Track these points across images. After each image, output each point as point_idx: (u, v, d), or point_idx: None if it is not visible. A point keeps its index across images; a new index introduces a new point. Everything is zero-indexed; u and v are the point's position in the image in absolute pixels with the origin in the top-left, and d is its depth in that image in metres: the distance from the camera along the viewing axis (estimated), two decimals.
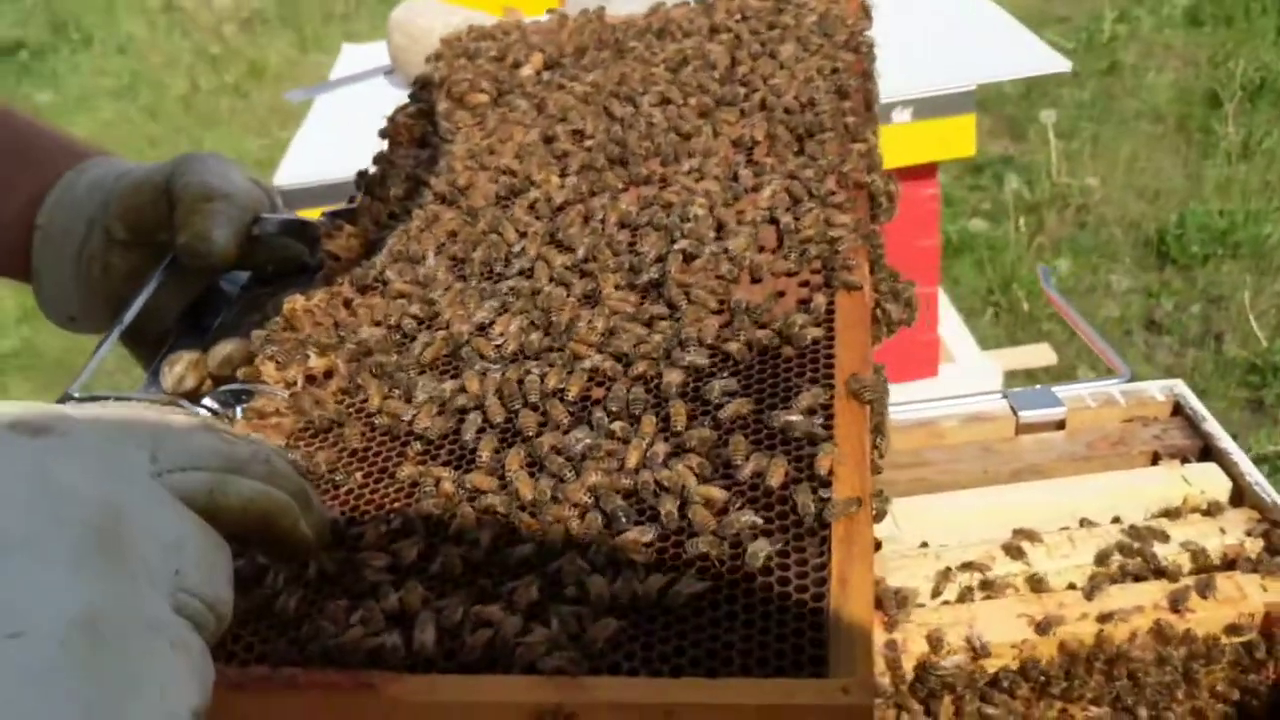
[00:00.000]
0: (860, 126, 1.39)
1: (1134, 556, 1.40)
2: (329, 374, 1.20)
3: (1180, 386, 1.67)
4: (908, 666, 1.32)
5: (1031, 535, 1.45)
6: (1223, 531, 1.43)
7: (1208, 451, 1.58)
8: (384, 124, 1.67)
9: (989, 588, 1.40)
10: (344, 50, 3.47)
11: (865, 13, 1.63)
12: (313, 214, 1.57)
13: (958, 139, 2.76)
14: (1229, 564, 1.41)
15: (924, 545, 1.49)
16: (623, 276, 1.22)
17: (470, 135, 1.53)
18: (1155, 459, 1.60)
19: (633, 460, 1.00)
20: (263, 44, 8.28)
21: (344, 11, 8.65)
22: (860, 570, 0.90)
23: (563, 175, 1.40)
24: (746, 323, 1.13)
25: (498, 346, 1.16)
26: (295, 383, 1.18)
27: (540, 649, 0.87)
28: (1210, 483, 1.51)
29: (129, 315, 1.40)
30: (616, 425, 1.05)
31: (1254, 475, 1.49)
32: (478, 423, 1.09)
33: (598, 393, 1.10)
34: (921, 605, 1.38)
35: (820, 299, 1.14)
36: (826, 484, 0.96)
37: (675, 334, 1.13)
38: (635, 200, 1.33)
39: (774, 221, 1.26)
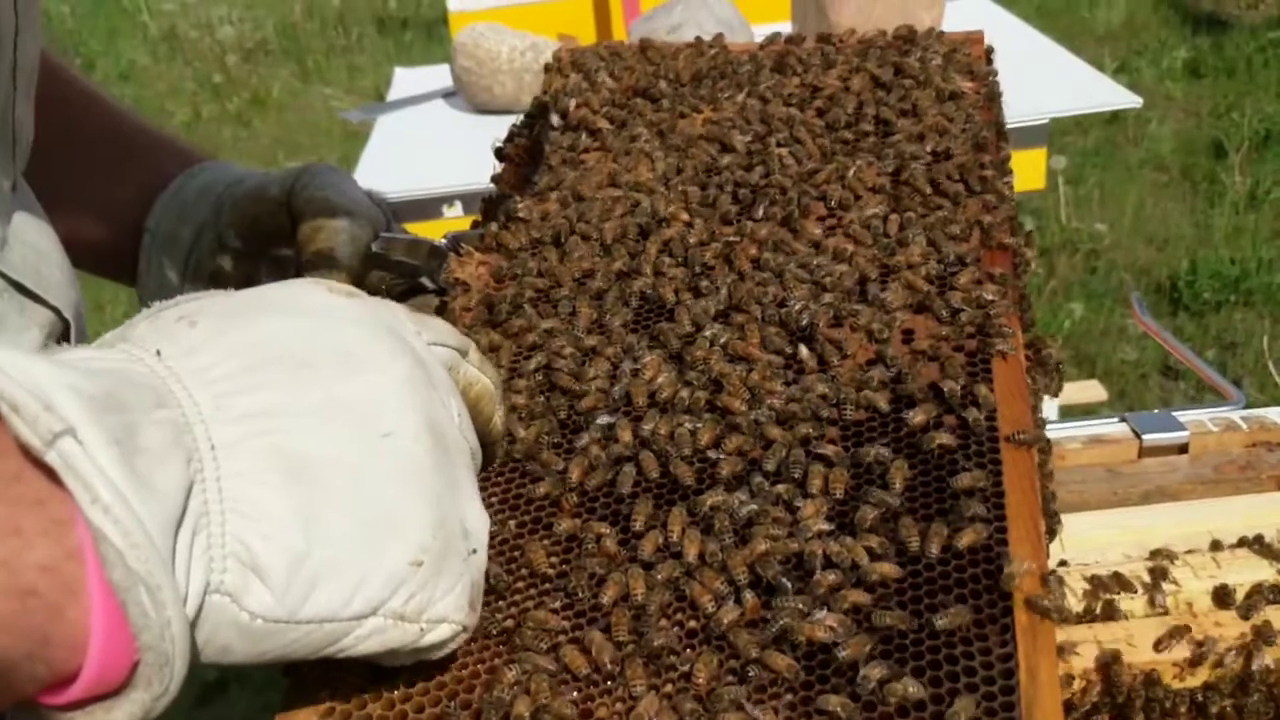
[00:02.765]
0: (998, 182, 1.35)
1: None
2: None
3: None
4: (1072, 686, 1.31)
5: (1174, 555, 1.45)
6: None
7: None
8: (497, 144, 1.64)
9: (1140, 606, 1.39)
10: (397, 74, 3.48)
11: (989, 59, 1.62)
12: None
13: (1029, 171, 2.79)
14: None
15: (1063, 564, 1.48)
16: (769, 329, 1.18)
17: (595, 164, 1.49)
18: None
19: (809, 527, 0.98)
20: (265, 74, 8.29)
21: (345, 45, 8.68)
22: (1047, 664, 0.87)
23: (692, 214, 1.36)
24: (907, 387, 1.10)
25: (650, 395, 1.12)
26: None
27: None
28: None
29: None
30: (781, 488, 1.01)
31: None
32: (633, 475, 1.05)
33: (753, 450, 1.06)
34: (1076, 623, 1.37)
35: (984, 389, 1.09)
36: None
37: (833, 394, 1.10)
38: (772, 246, 1.29)
39: (922, 279, 1.23)
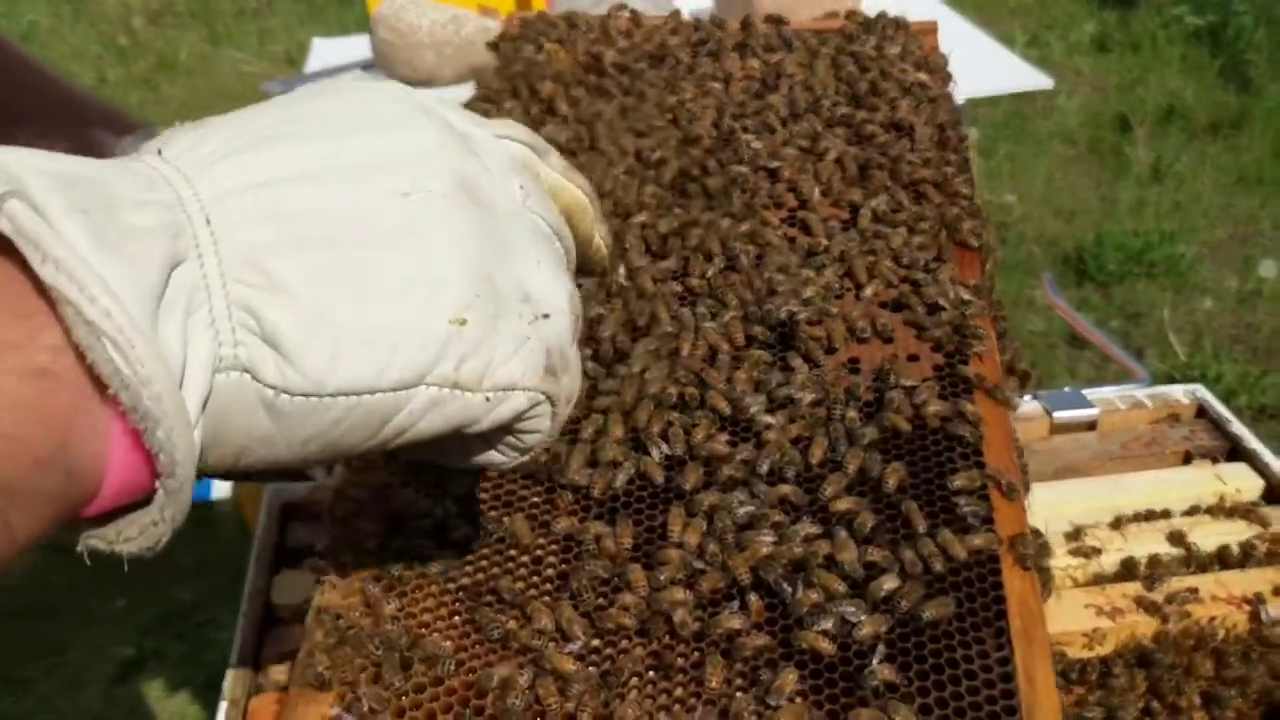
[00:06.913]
0: (959, 179, 1.37)
1: (1184, 549, 1.47)
2: None
3: (1202, 390, 1.74)
4: None
5: (1083, 530, 1.51)
6: (1264, 526, 1.50)
7: (1235, 452, 1.66)
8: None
9: (1051, 579, 1.45)
10: (315, 44, 3.43)
11: (944, 59, 1.63)
12: None
13: None
14: (1270, 558, 1.48)
15: None
16: (753, 326, 1.19)
17: (562, 145, 1.43)
18: (1187, 458, 1.67)
19: (801, 534, 1.00)
20: (173, 37, 8.07)
21: (256, 7, 8.49)
22: (1044, 668, 0.90)
23: (661, 201, 1.35)
24: (892, 392, 1.12)
25: (641, 390, 1.12)
26: None
27: None
28: (1243, 481, 1.58)
29: None
30: (788, 489, 1.03)
31: None
32: (630, 472, 1.06)
33: (742, 450, 1.08)
34: None
35: (971, 407, 1.11)
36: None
37: (822, 393, 1.11)
38: (744, 238, 1.29)
39: (897, 277, 1.25)
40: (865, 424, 1.09)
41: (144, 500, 0.64)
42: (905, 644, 0.92)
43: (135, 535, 0.64)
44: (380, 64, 2.96)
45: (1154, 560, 1.45)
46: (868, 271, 1.24)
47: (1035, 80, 2.88)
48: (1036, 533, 1.03)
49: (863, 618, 0.93)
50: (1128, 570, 1.46)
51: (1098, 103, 6.55)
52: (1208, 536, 1.49)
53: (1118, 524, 1.53)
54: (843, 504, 1.01)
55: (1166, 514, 1.54)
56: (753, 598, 0.95)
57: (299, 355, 0.66)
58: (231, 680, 1.30)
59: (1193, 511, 1.56)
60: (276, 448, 0.69)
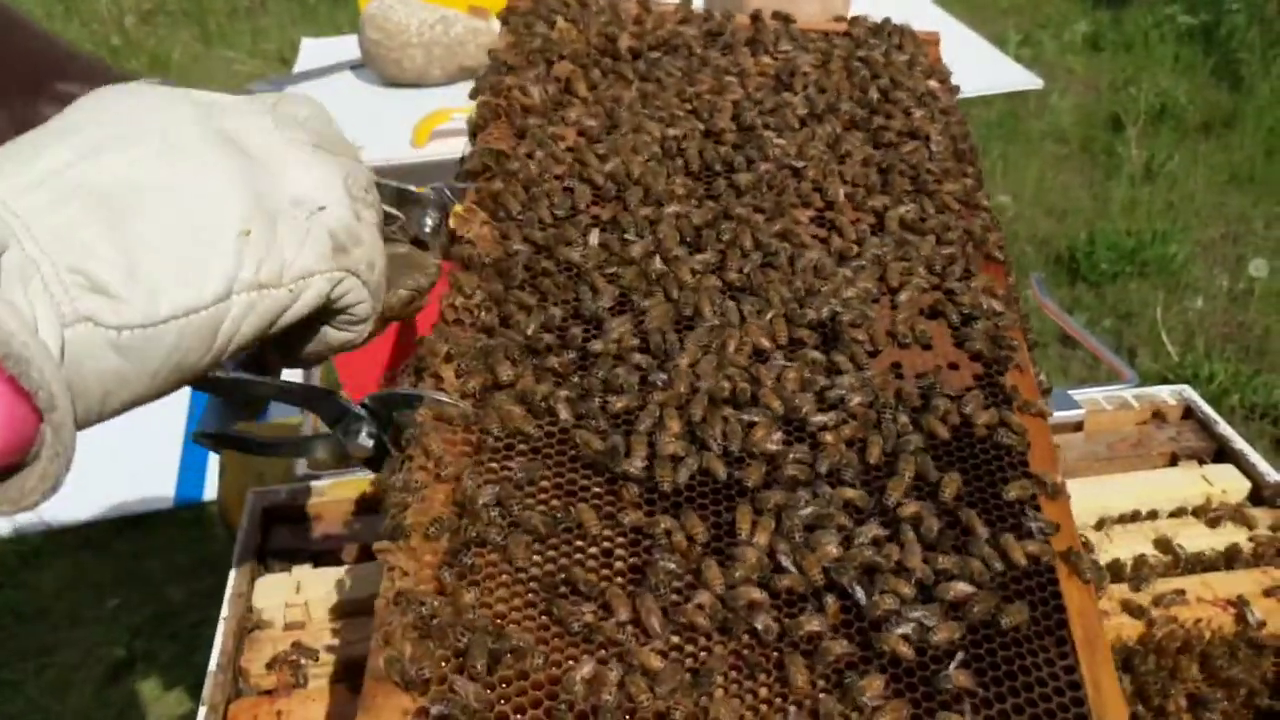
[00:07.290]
0: (979, 194, 1.37)
1: (1170, 551, 1.46)
2: (502, 385, 1.13)
3: (1189, 391, 1.74)
4: None
5: None
6: (1251, 528, 1.50)
7: (1221, 453, 1.65)
8: (473, 88, 1.52)
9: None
10: (304, 45, 3.42)
11: (948, 71, 1.62)
12: None
13: None
14: (1256, 559, 1.48)
15: None
16: (797, 328, 1.19)
17: (584, 127, 1.43)
18: (1173, 460, 1.67)
19: (869, 536, 1.01)
20: (165, 37, 8.06)
21: (249, 6, 8.48)
22: (1108, 675, 0.93)
23: (691, 192, 1.34)
24: (939, 400, 1.13)
25: (693, 384, 1.12)
26: (474, 393, 1.11)
27: None
28: (1230, 482, 1.58)
29: None
30: (853, 494, 1.04)
31: (1275, 475, 1.56)
32: (693, 467, 1.06)
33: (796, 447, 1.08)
34: None
35: (1015, 418, 1.13)
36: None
37: (871, 396, 1.12)
38: (779, 235, 1.28)
39: (930, 286, 1.25)
40: (916, 430, 1.11)
41: (29, 459, 0.72)
42: (977, 650, 0.94)
43: (35, 484, 0.73)
44: (369, 64, 2.95)
45: (1140, 562, 1.44)
46: (902, 277, 1.24)
47: (1026, 80, 2.87)
48: (1086, 543, 1.05)
49: (938, 623, 0.95)
50: (1113, 572, 1.45)
51: (1090, 102, 6.55)
52: (1194, 538, 1.49)
53: (1103, 525, 1.53)
54: (909, 509, 1.03)
55: (1153, 515, 1.54)
56: (829, 599, 0.96)
57: (128, 295, 0.77)
58: (211, 685, 1.29)
59: (1179, 513, 1.55)
60: (131, 384, 0.79)
